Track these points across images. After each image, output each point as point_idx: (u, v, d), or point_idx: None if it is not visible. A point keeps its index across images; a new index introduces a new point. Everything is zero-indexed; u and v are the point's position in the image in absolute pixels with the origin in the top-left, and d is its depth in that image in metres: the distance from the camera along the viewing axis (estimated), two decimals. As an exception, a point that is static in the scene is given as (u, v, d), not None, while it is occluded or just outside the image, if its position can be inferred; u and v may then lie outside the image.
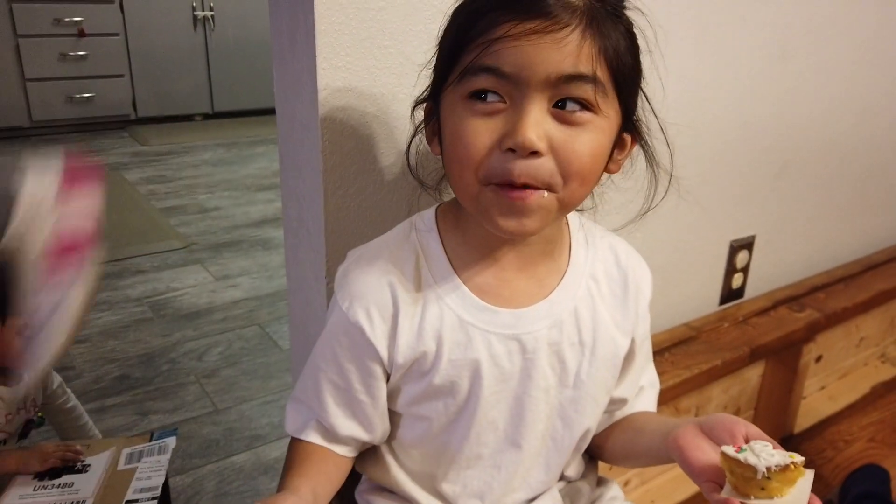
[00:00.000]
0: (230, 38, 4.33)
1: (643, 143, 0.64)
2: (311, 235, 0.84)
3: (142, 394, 1.67)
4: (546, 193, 0.56)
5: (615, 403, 0.75)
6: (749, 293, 1.39)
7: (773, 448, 0.53)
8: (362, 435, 0.68)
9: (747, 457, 0.52)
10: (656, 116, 0.65)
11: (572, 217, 0.71)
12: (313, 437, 0.68)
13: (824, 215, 1.48)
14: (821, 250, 1.51)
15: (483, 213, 0.58)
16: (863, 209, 1.57)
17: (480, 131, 0.55)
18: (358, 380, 0.65)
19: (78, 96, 3.94)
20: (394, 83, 0.79)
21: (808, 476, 0.54)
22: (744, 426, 0.57)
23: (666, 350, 1.18)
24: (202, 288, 2.21)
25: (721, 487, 0.55)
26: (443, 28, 0.61)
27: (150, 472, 1.07)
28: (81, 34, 3.85)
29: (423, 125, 0.66)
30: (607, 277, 0.70)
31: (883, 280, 1.51)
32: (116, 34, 3.99)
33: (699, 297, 1.31)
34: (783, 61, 1.22)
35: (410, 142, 0.73)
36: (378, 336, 0.63)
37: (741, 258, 1.33)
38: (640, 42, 0.60)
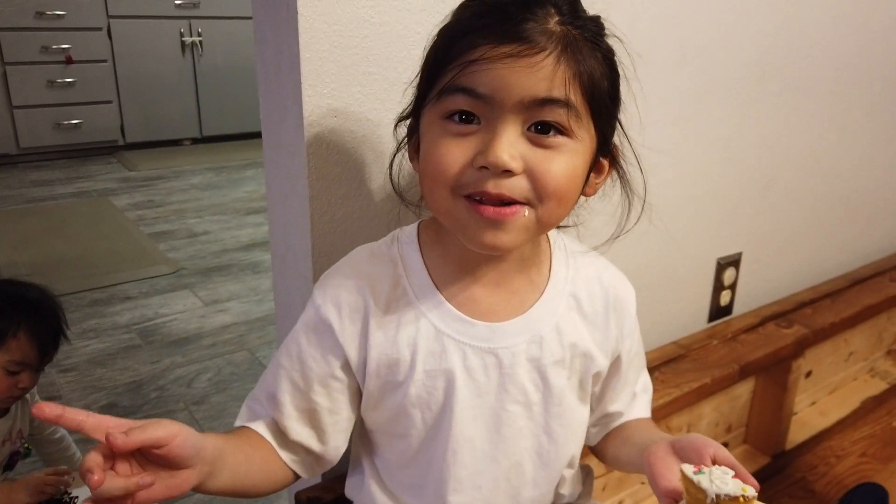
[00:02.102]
0: (218, 63, 4.35)
1: (618, 168, 0.66)
2: (298, 261, 0.84)
3: (130, 422, 1.65)
4: (526, 211, 0.57)
5: (611, 416, 0.76)
6: (737, 310, 1.40)
7: (734, 477, 0.54)
8: (313, 444, 0.67)
9: (700, 479, 0.54)
10: (630, 142, 0.66)
11: (553, 235, 0.72)
12: (261, 429, 0.66)
13: (809, 231, 1.49)
14: (807, 266, 1.53)
15: (459, 228, 0.59)
16: (847, 224, 1.59)
17: (454, 149, 0.56)
18: (318, 379, 0.65)
19: (65, 123, 3.94)
20: (379, 109, 0.80)
21: None
22: (714, 448, 0.58)
23: (655, 369, 1.18)
24: (191, 313, 2.20)
25: None
26: (427, 47, 0.62)
27: None
28: (69, 61, 3.87)
29: (405, 141, 0.67)
30: (589, 295, 0.70)
31: (869, 294, 1.52)
32: (104, 61, 4.01)
33: (687, 315, 1.32)
34: (764, 82, 1.24)
35: (393, 158, 0.74)
36: (346, 336, 0.64)
37: (728, 275, 1.34)
38: (620, 69, 0.61)
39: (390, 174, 0.74)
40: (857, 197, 1.58)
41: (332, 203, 0.80)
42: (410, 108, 0.66)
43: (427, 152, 0.59)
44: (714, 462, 0.57)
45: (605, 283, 0.71)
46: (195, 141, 4.46)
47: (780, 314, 1.39)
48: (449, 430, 0.66)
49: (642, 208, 0.69)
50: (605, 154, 0.63)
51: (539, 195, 0.56)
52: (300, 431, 0.66)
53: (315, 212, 0.79)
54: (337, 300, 0.64)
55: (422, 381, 0.64)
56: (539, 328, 0.66)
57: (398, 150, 0.72)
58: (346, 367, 0.65)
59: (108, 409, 1.70)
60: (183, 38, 4.22)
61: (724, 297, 1.36)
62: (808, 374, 1.49)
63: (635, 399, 0.78)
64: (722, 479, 0.54)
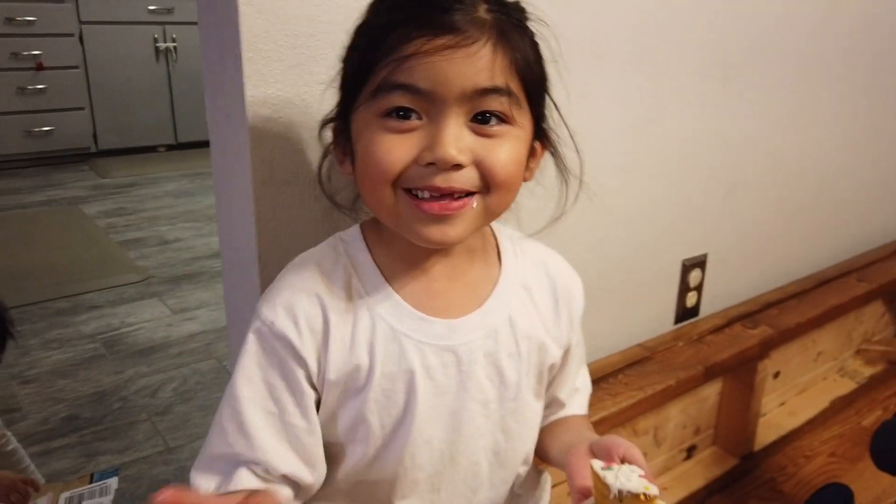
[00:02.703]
0: (193, 69, 4.31)
1: (553, 149, 0.66)
2: (246, 267, 0.82)
3: (90, 434, 1.61)
4: (475, 202, 0.57)
5: (552, 406, 0.76)
6: (704, 311, 1.39)
7: (641, 476, 0.55)
8: (304, 474, 0.61)
9: (606, 475, 0.55)
10: (564, 122, 0.67)
11: (498, 227, 0.71)
12: (247, 481, 0.58)
13: (775, 232, 1.49)
14: (773, 266, 1.53)
15: (404, 225, 0.58)
16: (812, 224, 1.60)
17: (396, 147, 0.55)
18: (291, 401, 0.60)
19: (37, 130, 3.89)
20: (326, 110, 0.77)
21: None
22: (625, 448, 0.58)
23: (620, 371, 1.17)
24: (158, 322, 2.16)
25: None
26: (347, 46, 0.61)
27: None
28: (40, 68, 3.82)
29: (332, 146, 0.65)
30: (538, 286, 0.70)
31: (836, 294, 1.52)
32: (76, 67, 3.96)
33: (654, 317, 1.31)
34: (725, 83, 1.24)
35: (321, 162, 0.72)
36: (308, 349, 0.60)
37: (694, 276, 1.33)
38: (546, 51, 0.62)
39: (319, 179, 0.72)
40: (822, 197, 1.59)
41: (278, 207, 0.78)
42: (336, 110, 0.64)
43: (366, 152, 0.57)
44: (623, 460, 0.58)
45: (552, 273, 0.71)
46: (170, 147, 4.42)
47: (747, 315, 1.39)
48: (408, 433, 0.63)
49: (579, 187, 0.69)
50: (538, 137, 0.64)
51: (488, 184, 0.56)
52: (288, 461, 0.60)
53: (261, 217, 0.77)
54: (291, 312, 0.60)
55: (380, 384, 0.62)
56: (494, 321, 0.65)
57: (325, 154, 0.70)
58: (310, 380, 0.61)
59: (69, 420, 1.66)
60: (157, 44, 4.18)
61: (691, 299, 1.35)
62: (777, 375, 1.48)
63: (575, 394, 0.77)
64: (628, 475, 0.55)
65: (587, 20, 1.00)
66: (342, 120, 0.62)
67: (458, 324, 0.64)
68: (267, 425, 0.60)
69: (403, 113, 0.55)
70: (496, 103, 0.55)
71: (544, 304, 0.69)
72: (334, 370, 0.61)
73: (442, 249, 0.63)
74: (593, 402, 0.83)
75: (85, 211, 3.23)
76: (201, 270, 2.58)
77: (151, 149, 4.36)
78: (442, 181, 0.54)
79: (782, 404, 1.54)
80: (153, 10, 4.11)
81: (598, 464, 0.56)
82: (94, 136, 4.12)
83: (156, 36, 4.17)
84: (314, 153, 0.79)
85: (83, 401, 1.74)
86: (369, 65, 0.56)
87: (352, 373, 0.61)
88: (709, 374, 1.22)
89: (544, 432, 0.76)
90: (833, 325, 1.57)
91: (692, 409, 1.32)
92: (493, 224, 0.70)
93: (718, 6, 1.17)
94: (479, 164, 0.55)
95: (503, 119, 0.56)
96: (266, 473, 0.60)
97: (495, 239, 0.70)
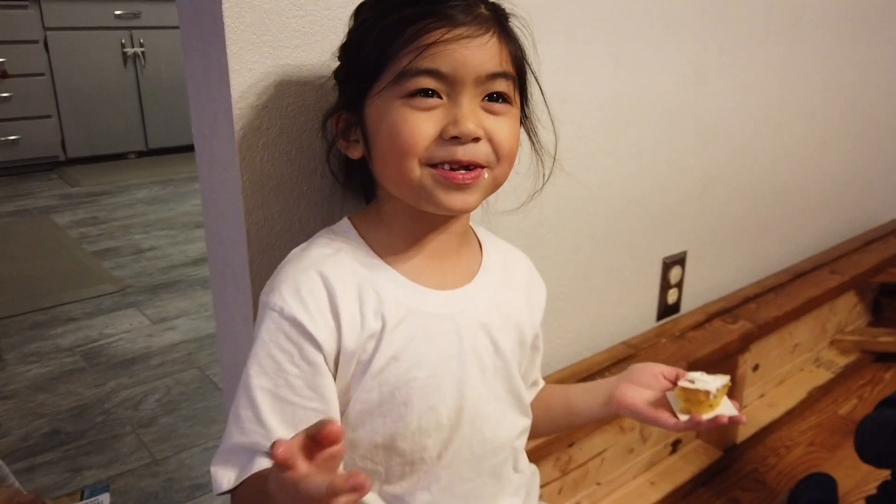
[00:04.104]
0: (162, 74, 4.25)
1: (530, 130, 0.73)
2: (237, 278, 0.82)
3: (74, 449, 1.58)
4: (486, 173, 0.64)
5: (533, 387, 0.84)
6: (685, 308, 1.42)
7: (704, 374, 0.70)
8: None
9: (698, 385, 0.68)
10: (545, 101, 0.74)
11: (474, 225, 0.78)
12: (267, 465, 0.59)
13: (751, 228, 1.53)
14: (750, 262, 1.56)
15: (427, 195, 0.63)
16: (787, 219, 1.63)
17: (423, 124, 0.61)
18: (308, 384, 0.62)
19: (2, 139, 3.80)
20: (313, 120, 0.78)
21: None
22: (659, 368, 0.75)
23: (606, 369, 1.18)
24: (138, 332, 2.13)
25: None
26: (351, 44, 0.67)
27: None
28: (4, 75, 3.73)
29: (337, 135, 0.69)
30: (515, 272, 0.78)
31: (811, 287, 1.56)
32: (42, 74, 3.88)
33: (636, 315, 1.33)
34: (700, 84, 1.26)
35: (329, 151, 0.76)
36: (320, 327, 0.62)
37: (674, 274, 1.36)
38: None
39: (329, 168, 0.76)
40: (795, 192, 1.63)
41: (269, 217, 0.78)
42: (340, 102, 0.69)
43: (392, 129, 0.62)
44: (676, 377, 0.73)
45: (525, 266, 0.81)
46: (141, 154, 4.34)
47: (726, 310, 1.42)
48: (411, 400, 0.65)
49: (553, 163, 0.77)
50: (522, 119, 0.71)
51: (497, 157, 0.64)
52: None
53: (251, 227, 0.77)
54: (298, 293, 0.62)
55: (388, 354, 0.64)
56: (483, 296, 0.71)
57: (334, 142, 0.73)
58: (324, 356, 0.62)
59: (51, 436, 1.63)
60: (125, 50, 4.11)
61: (672, 296, 1.38)
62: (756, 368, 1.52)
63: (540, 377, 0.86)
64: (705, 379, 0.69)
65: (564, 25, 1.02)
66: (349, 109, 0.67)
67: (455, 294, 0.69)
68: (282, 415, 0.61)
69: (424, 94, 0.61)
70: (502, 85, 0.64)
71: (520, 288, 0.77)
72: (350, 340, 0.63)
73: (440, 227, 0.69)
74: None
75: (56, 221, 3.17)
76: (179, 279, 2.55)
77: (121, 156, 4.29)
78: (463, 154, 0.62)
79: (762, 396, 1.58)
80: (119, 14, 4.04)
81: (685, 382, 0.69)
82: (63, 145, 4.04)
83: (123, 41, 4.10)
84: (306, 163, 0.79)
85: (65, 415, 1.71)
86: (390, 54, 0.62)
87: (365, 342, 0.64)
88: (691, 370, 1.24)
89: (542, 406, 0.84)
90: (809, 317, 1.61)
91: (676, 404, 1.34)
92: (470, 223, 0.76)
93: (691, 10, 1.19)
94: (489, 139, 0.63)
95: (506, 100, 0.64)
96: None
97: (473, 229, 0.78)
